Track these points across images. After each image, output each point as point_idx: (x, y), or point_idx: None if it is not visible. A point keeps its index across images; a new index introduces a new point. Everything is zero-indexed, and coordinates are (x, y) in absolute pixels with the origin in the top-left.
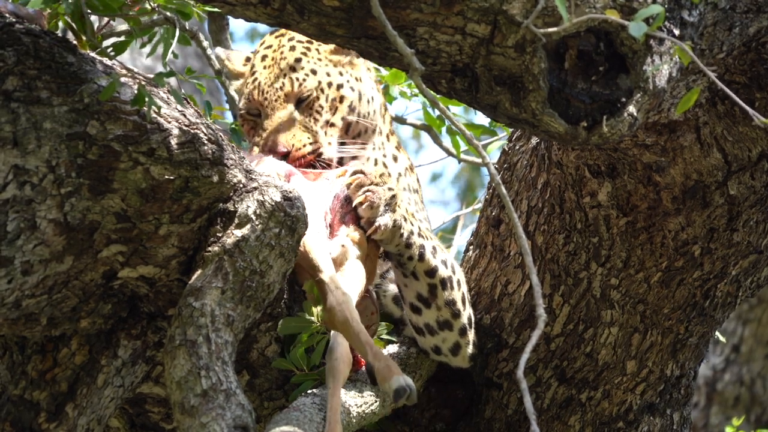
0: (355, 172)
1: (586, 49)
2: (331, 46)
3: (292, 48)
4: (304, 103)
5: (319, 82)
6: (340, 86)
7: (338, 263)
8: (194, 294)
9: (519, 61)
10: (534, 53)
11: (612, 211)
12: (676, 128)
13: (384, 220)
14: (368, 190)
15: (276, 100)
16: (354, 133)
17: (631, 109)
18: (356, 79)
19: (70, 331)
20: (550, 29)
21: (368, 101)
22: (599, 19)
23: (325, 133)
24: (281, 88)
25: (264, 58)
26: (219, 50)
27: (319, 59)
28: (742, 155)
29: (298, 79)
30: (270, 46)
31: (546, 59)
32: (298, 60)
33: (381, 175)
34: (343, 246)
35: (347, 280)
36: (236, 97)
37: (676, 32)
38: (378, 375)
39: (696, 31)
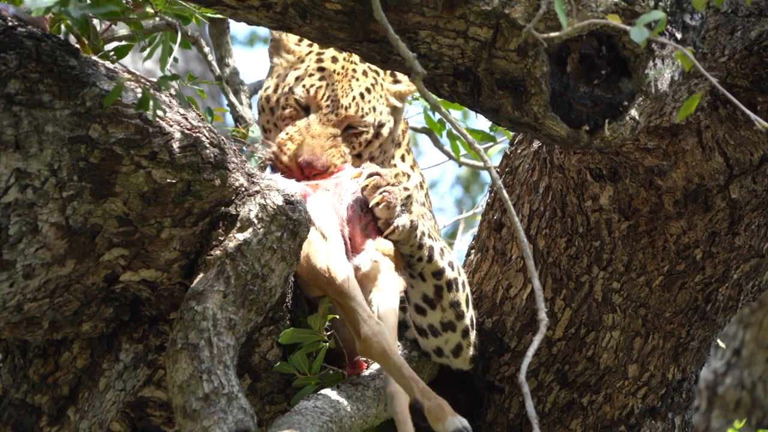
0: (370, 174)
1: (588, 52)
2: (398, 88)
3: (365, 73)
4: (351, 131)
5: (374, 120)
6: (381, 125)
7: (371, 278)
8: (196, 298)
9: (521, 65)
10: (536, 57)
11: (614, 214)
12: (678, 132)
13: (401, 220)
14: (385, 191)
15: (337, 116)
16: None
17: (633, 112)
18: (396, 121)
19: (72, 335)
20: (552, 33)
21: (392, 141)
22: (601, 23)
23: (350, 160)
24: (346, 108)
25: (335, 59)
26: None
27: (381, 95)
28: (743, 159)
29: (362, 110)
30: (339, 53)
31: (548, 63)
32: (368, 90)
33: (396, 175)
34: (374, 261)
35: (385, 296)
36: (281, 74)
37: (678, 36)
38: (429, 414)
39: (698, 35)
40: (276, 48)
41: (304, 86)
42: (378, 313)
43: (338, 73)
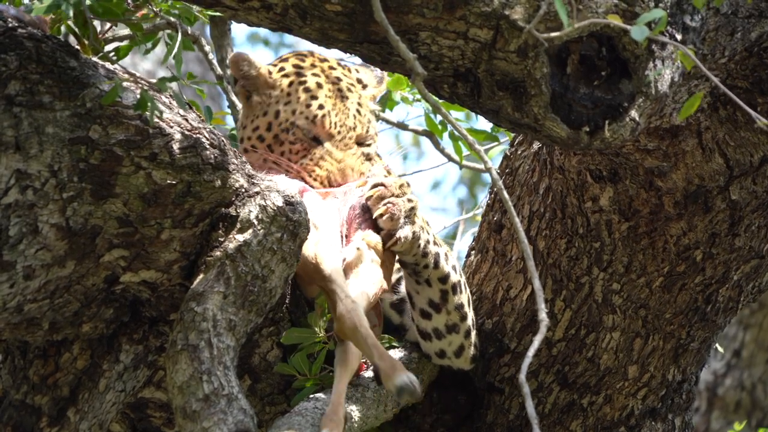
0: (375, 185)
1: (589, 53)
2: (371, 92)
3: (349, 89)
4: (360, 146)
5: (373, 131)
6: (375, 135)
7: (353, 266)
8: (196, 299)
9: (521, 66)
10: (536, 58)
11: (614, 215)
12: (678, 133)
13: (404, 232)
14: (389, 202)
15: (350, 138)
16: None
17: (633, 113)
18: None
19: (72, 336)
20: (553, 34)
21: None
22: (601, 23)
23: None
24: (353, 128)
25: (320, 85)
26: (242, 53)
27: (366, 106)
28: (743, 160)
29: (364, 124)
30: (317, 75)
31: (548, 64)
32: (360, 105)
33: (401, 186)
34: (358, 249)
35: (361, 282)
36: (269, 111)
37: (678, 37)
38: (382, 374)
39: (698, 36)
40: (252, 86)
41: (307, 118)
42: None
43: (329, 97)
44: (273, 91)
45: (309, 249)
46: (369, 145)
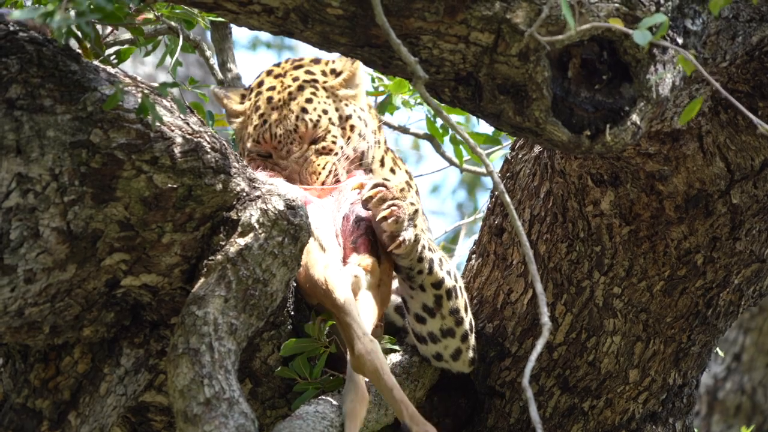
0: (376, 185)
1: (590, 57)
2: (340, 80)
3: (300, 88)
4: (316, 144)
5: (330, 119)
6: (349, 117)
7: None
8: (197, 302)
9: (522, 70)
10: (537, 62)
11: (615, 219)
12: (679, 137)
13: (408, 234)
14: (393, 205)
15: (291, 143)
16: (363, 159)
17: (635, 117)
18: (360, 108)
19: (73, 340)
20: (554, 37)
21: (372, 130)
22: (603, 27)
23: (339, 162)
24: (295, 130)
25: (270, 99)
26: (216, 89)
27: (327, 97)
28: (744, 164)
29: (311, 120)
30: (273, 87)
31: (549, 68)
32: (308, 101)
33: (401, 189)
34: (355, 276)
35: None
36: (239, 138)
37: (680, 41)
38: None
39: (699, 40)
40: (227, 116)
41: (253, 140)
42: None
43: (275, 108)
44: (239, 118)
45: (318, 272)
46: (324, 139)
